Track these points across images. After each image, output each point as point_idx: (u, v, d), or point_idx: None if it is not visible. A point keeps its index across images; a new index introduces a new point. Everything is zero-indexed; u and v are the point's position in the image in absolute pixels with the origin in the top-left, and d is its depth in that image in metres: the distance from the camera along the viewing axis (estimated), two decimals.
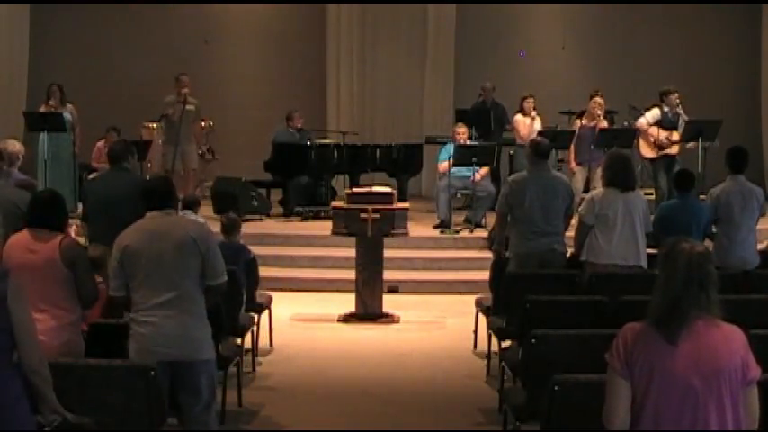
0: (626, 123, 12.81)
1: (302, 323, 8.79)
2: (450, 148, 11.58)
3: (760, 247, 8.05)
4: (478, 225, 11.42)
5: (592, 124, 11.66)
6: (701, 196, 8.57)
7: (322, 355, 7.78)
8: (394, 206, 8.86)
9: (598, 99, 11.86)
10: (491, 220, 9.96)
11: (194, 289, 4.69)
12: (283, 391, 6.83)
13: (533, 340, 4.98)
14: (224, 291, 4.93)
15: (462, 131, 11.85)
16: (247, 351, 7.18)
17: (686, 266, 3.22)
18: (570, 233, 7.42)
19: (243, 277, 6.93)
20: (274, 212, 12.52)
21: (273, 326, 8.03)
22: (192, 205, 8.20)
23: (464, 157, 11.25)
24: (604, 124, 11.75)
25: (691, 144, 11.48)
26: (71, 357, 4.63)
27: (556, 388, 4.08)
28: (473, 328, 7.82)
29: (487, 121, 12.90)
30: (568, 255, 7.37)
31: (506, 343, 6.57)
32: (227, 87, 15.49)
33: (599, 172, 11.61)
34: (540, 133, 10.95)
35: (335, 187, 12.98)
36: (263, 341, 7.78)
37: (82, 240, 6.74)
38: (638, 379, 3.21)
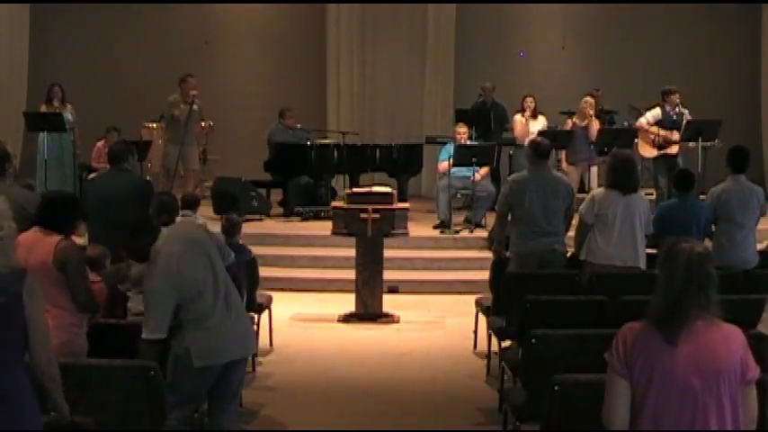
0: (626, 123, 12.82)
1: (302, 323, 8.79)
2: (450, 147, 11.58)
3: (760, 246, 8.05)
4: (478, 225, 11.42)
5: (583, 124, 11.66)
6: (702, 196, 8.57)
7: (322, 355, 7.78)
8: (394, 206, 8.86)
9: (589, 99, 11.87)
10: (491, 220, 9.96)
11: (228, 280, 4.82)
12: (283, 391, 6.84)
13: (533, 340, 4.98)
14: (233, 270, 5.12)
15: (463, 131, 11.84)
16: None
17: (686, 266, 3.22)
18: (571, 233, 7.42)
19: (243, 277, 6.92)
20: (274, 212, 12.52)
21: (273, 326, 8.03)
22: (192, 204, 8.20)
23: (464, 157, 11.25)
24: (597, 123, 11.75)
25: (691, 144, 11.48)
26: (71, 357, 4.63)
27: (556, 388, 4.08)
28: (473, 328, 7.82)
29: (487, 121, 12.90)
30: (569, 255, 7.37)
31: (506, 343, 6.57)
32: (227, 87, 15.48)
33: (594, 171, 11.67)
34: (540, 133, 10.94)
35: (335, 187, 12.98)
36: (263, 341, 7.78)
37: (82, 240, 6.74)
38: (638, 379, 3.21)
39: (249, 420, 6.16)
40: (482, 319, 7.46)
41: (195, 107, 12.19)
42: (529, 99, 12.44)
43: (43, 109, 12.15)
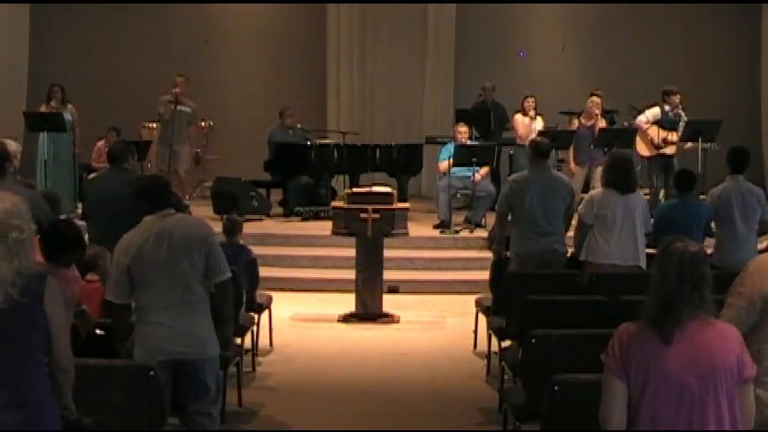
0: (626, 123, 12.82)
1: (302, 323, 8.79)
2: (450, 147, 11.58)
3: (760, 247, 8.05)
4: (478, 225, 11.42)
5: (590, 123, 11.66)
6: (702, 196, 8.57)
7: (322, 355, 7.78)
8: (394, 206, 8.86)
9: (595, 98, 11.87)
10: (491, 220, 9.96)
11: (200, 289, 4.74)
12: (283, 391, 6.84)
13: (533, 340, 4.98)
14: (230, 287, 4.96)
15: (463, 131, 11.84)
16: (247, 351, 7.18)
17: (679, 266, 3.23)
18: (571, 233, 7.42)
19: (243, 277, 6.93)
20: (274, 212, 12.52)
21: (273, 326, 8.03)
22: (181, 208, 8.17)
23: (464, 156, 11.25)
24: (603, 123, 11.75)
25: (689, 144, 11.48)
26: None
27: (556, 388, 4.08)
28: (473, 328, 7.82)
29: (487, 121, 12.90)
30: (569, 255, 7.37)
31: (506, 343, 6.56)
32: (226, 87, 15.49)
33: (599, 171, 11.66)
34: (540, 133, 10.95)
35: (335, 187, 12.98)
36: (263, 341, 7.78)
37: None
38: (635, 379, 3.21)
39: (249, 420, 6.16)
40: (482, 319, 7.46)
41: (185, 108, 12.21)
42: (529, 99, 12.44)
43: (43, 109, 12.15)
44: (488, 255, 8.73)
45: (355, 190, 9.57)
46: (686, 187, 7.59)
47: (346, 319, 8.79)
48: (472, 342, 7.83)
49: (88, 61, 15.23)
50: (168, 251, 4.66)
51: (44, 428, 3.37)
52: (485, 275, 7.81)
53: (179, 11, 15.36)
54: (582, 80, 14.67)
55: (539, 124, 12.27)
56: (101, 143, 12.58)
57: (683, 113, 11.60)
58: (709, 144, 11.28)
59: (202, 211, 10.73)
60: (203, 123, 13.45)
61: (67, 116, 12.06)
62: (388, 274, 9.21)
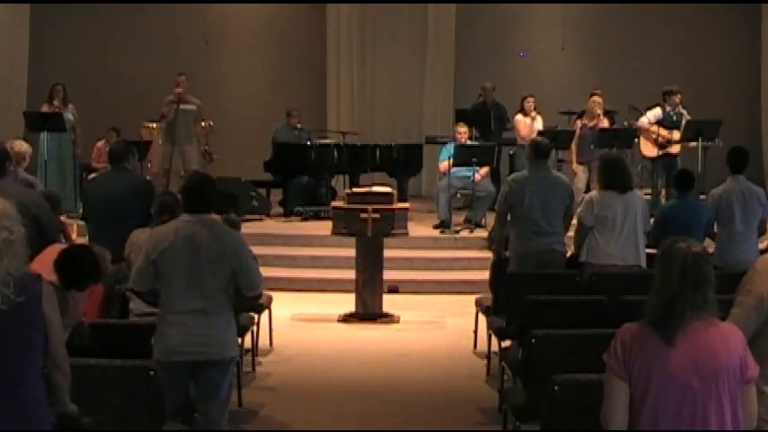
0: (626, 123, 12.82)
1: (302, 323, 8.79)
2: (450, 147, 11.58)
3: (760, 246, 8.05)
4: (478, 225, 11.42)
5: (592, 124, 11.67)
6: (702, 196, 8.57)
7: (322, 355, 7.78)
8: (394, 206, 8.86)
9: (597, 98, 11.87)
10: (491, 220, 9.95)
11: (226, 298, 4.78)
12: (283, 391, 6.84)
13: (533, 340, 4.98)
14: (258, 299, 4.99)
15: (463, 131, 11.84)
16: (247, 351, 7.18)
17: (681, 266, 3.21)
18: (571, 233, 7.42)
19: None
20: (274, 212, 12.52)
21: (273, 326, 8.03)
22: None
23: (464, 156, 11.25)
24: (605, 123, 11.75)
25: (693, 144, 11.48)
26: None
27: (556, 388, 4.08)
28: (473, 328, 7.81)
29: (487, 121, 12.90)
30: (568, 255, 7.37)
31: (506, 343, 6.56)
32: (227, 87, 15.49)
33: None
34: (540, 133, 10.95)
35: (335, 187, 12.98)
36: (263, 341, 7.78)
37: (83, 240, 6.75)
38: (637, 380, 3.20)
39: (249, 420, 6.16)
40: (482, 319, 7.46)
41: (189, 106, 12.22)
42: (530, 99, 12.44)
43: (45, 108, 12.15)
44: (488, 255, 8.74)
45: (355, 190, 9.57)
46: (685, 187, 7.59)
47: (346, 319, 8.79)
48: (472, 342, 7.83)
49: (88, 61, 15.23)
50: (195, 257, 4.69)
51: (39, 428, 3.38)
52: (485, 275, 7.81)
53: (180, 11, 15.36)
54: (582, 80, 14.66)
55: (539, 124, 12.27)
56: (101, 143, 12.58)
57: (684, 113, 11.60)
58: (712, 142, 11.28)
59: None
60: (203, 123, 13.44)
61: (68, 116, 12.06)
62: (388, 274, 9.21)
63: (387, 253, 9.02)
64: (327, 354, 7.79)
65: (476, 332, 7.77)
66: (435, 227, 11.44)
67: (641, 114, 11.95)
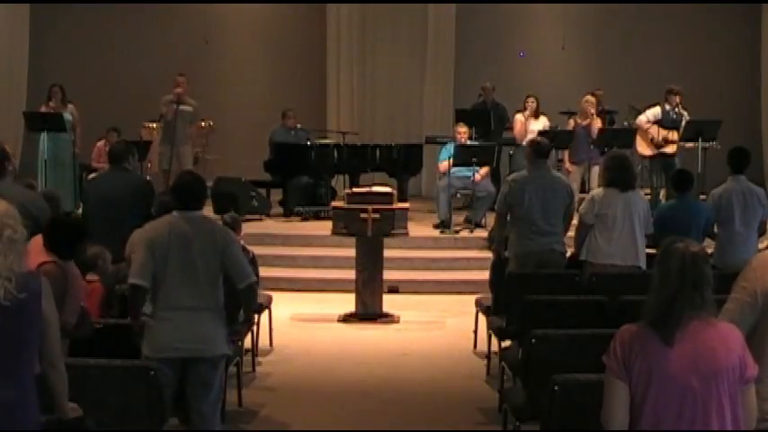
0: (626, 123, 12.81)
1: (302, 323, 8.79)
2: (450, 147, 11.58)
3: (760, 247, 8.04)
4: (478, 225, 11.42)
5: (585, 123, 11.66)
6: (702, 196, 8.57)
7: (322, 355, 7.78)
8: (394, 206, 8.86)
9: (590, 97, 11.88)
10: (491, 220, 9.95)
11: (217, 294, 4.79)
12: (283, 391, 6.84)
13: (533, 340, 4.98)
14: (254, 291, 5.01)
15: (463, 131, 11.85)
16: (247, 351, 7.18)
17: (680, 266, 3.22)
18: (571, 233, 7.42)
19: None
20: (274, 212, 12.52)
21: (273, 326, 8.03)
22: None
23: (464, 156, 11.25)
24: (598, 123, 11.75)
25: (690, 144, 11.48)
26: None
27: (556, 388, 4.08)
28: (473, 328, 7.82)
29: (487, 121, 12.90)
30: (568, 255, 7.37)
31: (506, 343, 6.57)
32: (227, 87, 15.49)
33: (596, 171, 11.68)
34: (540, 133, 10.94)
35: (335, 187, 12.98)
36: (263, 341, 7.79)
37: None
38: (637, 380, 3.20)
39: (249, 420, 6.16)
40: (482, 319, 7.46)
41: (186, 107, 12.21)
42: (530, 99, 12.44)
43: (43, 109, 12.15)
44: (488, 255, 8.74)
45: (355, 190, 9.57)
46: (684, 187, 7.59)
47: (346, 319, 8.79)
48: (472, 342, 7.83)
49: (88, 61, 15.22)
50: (187, 254, 4.71)
51: (27, 428, 3.40)
52: (485, 275, 7.81)
53: (179, 11, 15.36)
54: (582, 80, 14.66)
55: (541, 124, 12.26)
56: (101, 143, 12.58)
57: (685, 113, 11.60)
58: (711, 143, 11.28)
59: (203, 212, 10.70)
60: (203, 123, 13.44)
61: (68, 116, 12.05)
62: (388, 274, 9.21)
63: (387, 253, 9.02)
64: (327, 354, 7.79)
65: (476, 332, 7.78)
66: (435, 227, 11.44)
67: (641, 114, 11.95)
